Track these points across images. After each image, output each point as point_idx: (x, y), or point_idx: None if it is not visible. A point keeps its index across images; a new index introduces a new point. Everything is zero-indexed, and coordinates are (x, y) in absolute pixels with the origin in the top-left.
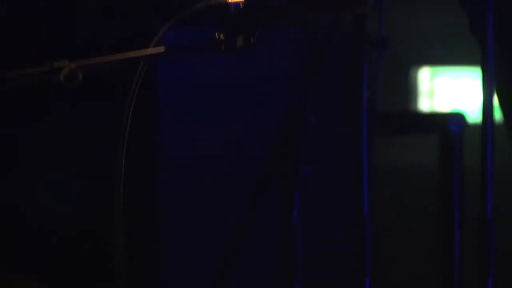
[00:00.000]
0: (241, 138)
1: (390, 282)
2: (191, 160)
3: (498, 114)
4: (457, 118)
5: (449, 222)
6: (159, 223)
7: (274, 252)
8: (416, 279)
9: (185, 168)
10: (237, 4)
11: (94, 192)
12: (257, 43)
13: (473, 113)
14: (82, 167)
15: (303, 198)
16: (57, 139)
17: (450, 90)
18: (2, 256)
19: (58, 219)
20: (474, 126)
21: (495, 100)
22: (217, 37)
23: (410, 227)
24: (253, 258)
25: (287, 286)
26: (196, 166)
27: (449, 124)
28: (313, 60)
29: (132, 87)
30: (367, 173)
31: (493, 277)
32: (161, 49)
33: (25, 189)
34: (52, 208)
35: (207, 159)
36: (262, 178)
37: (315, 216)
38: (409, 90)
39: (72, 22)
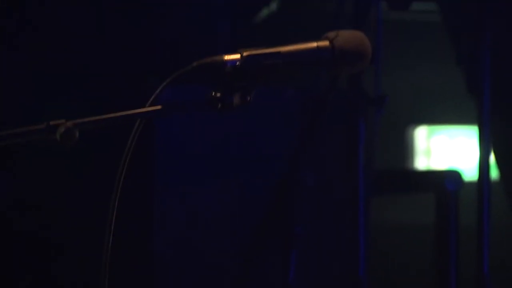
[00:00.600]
0: (238, 197)
1: None
2: (187, 218)
3: (494, 172)
4: (453, 176)
5: (445, 279)
6: (155, 280)
7: None
8: None
9: (181, 226)
10: (233, 62)
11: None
12: (254, 101)
13: (470, 172)
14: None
15: (299, 257)
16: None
17: (447, 148)
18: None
19: None
20: (471, 184)
21: (492, 158)
22: (213, 95)
23: (408, 285)
24: None
25: None
26: (192, 224)
27: (445, 182)
28: (311, 119)
29: (127, 144)
30: (363, 232)
31: None
32: (157, 107)
33: None
34: None
35: (203, 218)
36: (259, 236)
37: (311, 275)
38: (405, 149)
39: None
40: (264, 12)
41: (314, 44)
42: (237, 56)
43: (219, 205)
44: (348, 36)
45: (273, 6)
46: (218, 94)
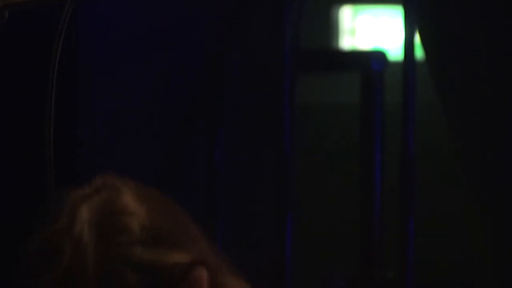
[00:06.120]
0: (163, 88)
1: (312, 220)
2: (112, 112)
3: (419, 52)
4: (378, 56)
5: (369, 160)
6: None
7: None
8: (335, 220)
9: (106, 117)
10: None
11: None
12: None
13: (395, 51)
14: None
15: (224, 136)
16: None
17: (372, 28)
18: None
19: None
20: (396, 64)
21: (417, 38)
22: None
23: (332, 166)
24: None
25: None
26: (117, 118)
27: (370, 62)
28: None
29: (58, 28)
30: (288, 110)
31: (414, 217)
32: None
33: None
34: None
35: (128, 112)
36: (187, 114)
37: (237, 152)
38: (331, 28)
39: None
40: None
41: None
42: None
43: (143, 92)
44: None
45: None
46: None
